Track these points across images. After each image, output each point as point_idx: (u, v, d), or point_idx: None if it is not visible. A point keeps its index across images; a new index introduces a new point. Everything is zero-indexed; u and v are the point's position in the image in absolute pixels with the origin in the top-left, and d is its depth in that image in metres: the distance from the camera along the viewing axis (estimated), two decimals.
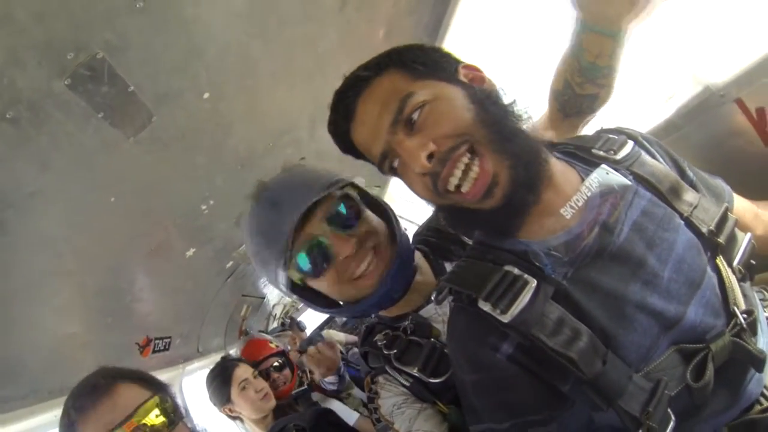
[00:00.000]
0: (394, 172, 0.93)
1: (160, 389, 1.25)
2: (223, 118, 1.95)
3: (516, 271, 0.84)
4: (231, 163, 2.32)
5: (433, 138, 0.84)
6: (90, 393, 1.17)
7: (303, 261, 1.08)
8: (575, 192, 0.90)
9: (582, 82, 1.16)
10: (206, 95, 1.72)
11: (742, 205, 1.04)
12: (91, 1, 1.18)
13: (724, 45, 1.45)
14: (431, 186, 0.87)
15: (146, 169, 1.85)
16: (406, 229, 1.21)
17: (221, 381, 2.52)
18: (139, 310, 2.59)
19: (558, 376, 0.81)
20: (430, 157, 0.83)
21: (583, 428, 0.84)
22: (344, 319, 7.00)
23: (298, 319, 6.11)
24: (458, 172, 0.83)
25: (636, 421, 0.76)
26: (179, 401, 1.30)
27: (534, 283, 0.82)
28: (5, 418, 1.70)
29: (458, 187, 0.84)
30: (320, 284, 1.12)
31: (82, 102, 1.38)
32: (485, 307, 0.83)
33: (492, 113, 0.87)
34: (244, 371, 2.55)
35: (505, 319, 0.81)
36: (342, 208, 1.09)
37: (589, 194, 0.90)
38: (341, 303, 1.19)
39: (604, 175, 0.94)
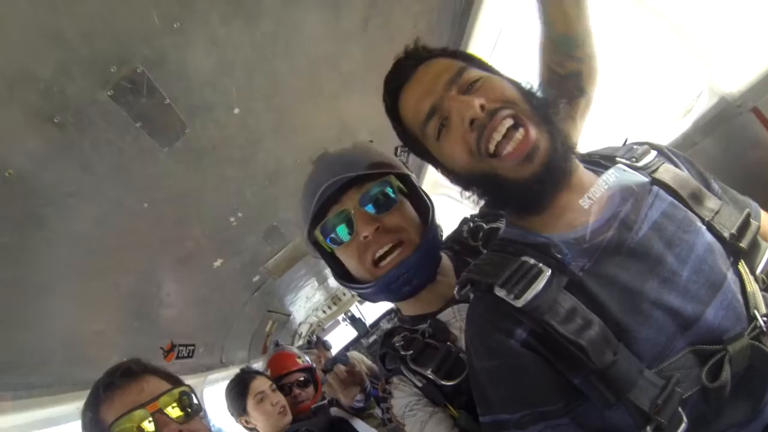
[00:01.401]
0: (437, 132, 0.95)
1: (183, 386, 1.32)
2: (252, 133, 2.07)
3: (531, 260, 0.88)
4: (260, 178, 2.44)
5: (486, 97, 0.89)
6: (121, 375, 1.25)
7: (328, 227, 1.18)
8: (593, 186, 0.94)
9: (561, 61, 1.17)
10: (236, 110, 1.83)
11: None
12: (132, 22, 1.30)
13: (737, 54, 1.42)
14: (474, 143, 0.89)
15: (179, 178, 1.97)
16: (441, 232, 1.28)
17: (238, 392, 2.53)
18: (165, 315, 2.68)
19: (569, 366, 0.82)
20: (482, 109, 0.87)
21: (596, 430, 0.84)
22: (370, 340, 7.01)
23: (324, 338, 6.13)
24: (502, 129, 0.86)
25: (645, 415, 0.77)
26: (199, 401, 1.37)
27: (548, 272, 0.86)
28: (29, 403, 1.78)
29: (497, 151, 0.87)
30: (341, 254, 1.21)
31: (123, 111, 1.50)
32: (500, 293, 0.87)
33: (535, 99, 0.93)
34: (261, 383, 2.54)
35: (519, 304, 0.84)
36: (377, 193, 1.16)
37: (605, 187, 0.93)
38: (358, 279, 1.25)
39: (622, 173, 0.97)
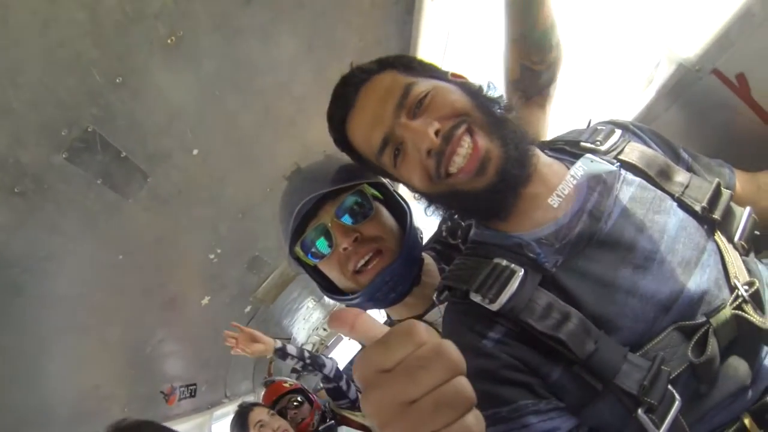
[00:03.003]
0: (393, 160, 0.94)
1: None
2: (216, 171, 2.10)
3: (504, 262, 0.88)
4: (232, 212, 2.47)
5: (437, 118, 0.88)
6: None
7: (307, 243, 1.19)
8: (561, 182, 0.93)
9: (541, 58, 1.15)
10: (195, 151, 1.87)
11: (744, 180, 1.03)
12: (75, 84, 1.34)
13: (690, 18, 1.39)
14: (434, 169, 0.88)
15: (150, 225, 1.99)
16: (422, 235, 1.29)
17: (239, 426, 2.63)
18: (161, 360, 2.70)
19: (547, 361, 0.82)
20: (436, 134, 0.86)
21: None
22: None
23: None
24: (462, 151, 0.85)
25: (634, 398, 0.75)
26: None
27: (521, 271, 0.85)
28: None
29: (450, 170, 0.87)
30: (324, 267, 1.22)
31: (81, 171, 1.53)
32: (476, 298, 0.86)
33: (484, 102, 0.93)
34: (258, 413, 2.67)
35: (494, 307, 0.84)
36: (351, 203, 1.17)
37: (574, 183, 0.93)
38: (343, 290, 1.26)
39: (589, 164, 0.96)
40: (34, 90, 1.27)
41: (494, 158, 0.86)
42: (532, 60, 1.14)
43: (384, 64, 1.00)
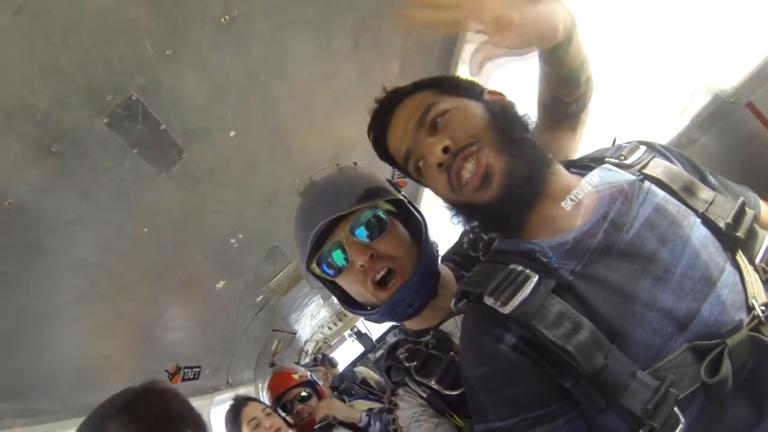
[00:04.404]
0: (418, 172, 1.03)
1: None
2: (250, 156, 2.10)
3: (519, 268, 0.89)
4: (258, 199, 2.46)
5: (451, 137, 0.94)
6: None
7: (324, 260, 1.20)
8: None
9: (569, 92, 1.15)
10: (232, 133, 1.86)
11: None
12: (126, 51, 1.33)
13: (729, 50, 1.41)
14: (446, 181, 0.95)
15: (178, 202, 1.99)
16: (437, 248, 1.29)
17: (232, 420, 2.55)
18: (170, 339, 2.70)
19: (559, 370, 0.82)
20: (446, 150, 0.92)
21: None
22: (377, 355, 6.98)
23: (331, 355, 6.11)
24: (470, 166, 0.91)
25: (637, 419, 0.75)
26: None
27: (536, 277, 0.86)
28: (37, 430, 1.79)
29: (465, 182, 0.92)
30: (342, 282, 1.23)
31: (119, 139, 1.52)
32: (489, 301, 0.88)
33: (502, 122, 0.96)
34: (253, 409, 2.54)
35: (506, 310, 0.85)
36: (366, 220, 1.17)
37: (589, 187, 0.95)
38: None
39: (607, 172, 0.98)
40: (85, 52, 1.26)
41: (498, 173, 0.89)
42: (561, 93, 1.15)
43: (417, 86, 1.09)
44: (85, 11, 1.20)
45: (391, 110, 1.08)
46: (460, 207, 1.00)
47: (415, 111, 1.02)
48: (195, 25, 1.40)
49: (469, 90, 1.06)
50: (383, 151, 1.13)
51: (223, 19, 1.43)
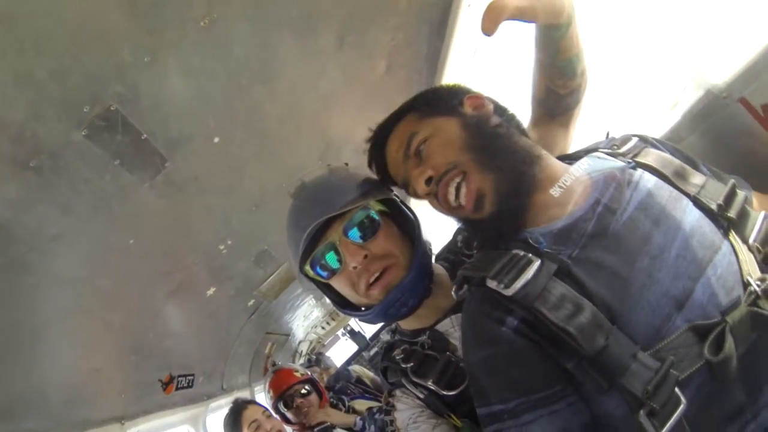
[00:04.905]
0: (417, 196, 1.08)
1: None
2: (235, 161, 2.05)
3: (522, 252, 0.91)
4: (245, 204, 2.42)
5: (432, 166, 1.00)
6: None
7: (317, 262, 1.18)
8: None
9: (564, 83, 1.16)
10: (216, 139, 1.82)
11: (761, 200, 1.04)
12: (102, 58, 1.29)
13: (721, 44, 1.42)
14: (437, 205, 1.03)
15: (163, 211, 1.95)
16: (431, 247, 1.29)
17: (232, 423, 2.57)
18: (161, 348, 2.65)
19: (561, 352, 0.83)
20: (429, 180, 0.99)
21: (594, 418, 0.83)
22: (371, 353, 6.99)
23: (326, 354, 6.09)
24: (452, 190, 0.97)
25: (637, 400, 0.76)
26: None
27: (538, 261, 0.88)
28: None
29: (458, 204, 0.98)
30: (335, 283, 1.21)
31: (99, 150, 1.48)
32: (492, 284, 0.89)
33: (479, 139, 0.99)
34: (253, 412, 2.59)
35: (509, 292, 0.86)
36: (358, 221, 1.16)
37: (578, 174, 0.98)
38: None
39: (596, 159, 1.01)
40: (60, 59, 1.21)
41: (488, 193, 0.94)
42: (556, 84, 1.16)
43: (400, 113, 1.15)
44: (60, 16, 1.15)
45: (383, 144, 1.15)
46: (461, 221, 1.06)
47: (400, 143, 1.08)
48: (174, 29, 1.36)
49: (446, 101, 1.09)
50: (391, 180, 1.18)
51: (203, 22, 1.39)
